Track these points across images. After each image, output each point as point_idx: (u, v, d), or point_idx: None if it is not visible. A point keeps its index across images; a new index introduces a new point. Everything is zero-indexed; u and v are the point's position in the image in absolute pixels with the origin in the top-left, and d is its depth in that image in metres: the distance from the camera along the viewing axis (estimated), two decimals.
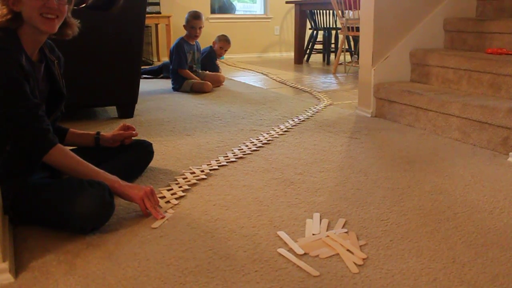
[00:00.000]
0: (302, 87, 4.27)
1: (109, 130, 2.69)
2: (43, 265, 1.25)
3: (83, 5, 2.85)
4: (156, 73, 4.98)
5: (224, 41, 4.73)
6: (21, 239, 1.38)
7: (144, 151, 1.97)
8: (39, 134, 1.42)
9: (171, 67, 4.20)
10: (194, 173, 1.97)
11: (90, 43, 2.74)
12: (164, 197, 1.71)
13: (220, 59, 5.04)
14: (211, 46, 4.74)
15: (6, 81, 1.37)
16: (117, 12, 2.76)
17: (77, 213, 1.37)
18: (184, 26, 4.22)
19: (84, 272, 1.22)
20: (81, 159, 1.51)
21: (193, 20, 4.15)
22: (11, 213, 1.43)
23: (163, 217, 1.53)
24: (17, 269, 1.23)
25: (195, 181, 1.87)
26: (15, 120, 1.39)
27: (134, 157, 1.91)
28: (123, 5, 2.76)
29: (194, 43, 4.25)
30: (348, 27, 4.96)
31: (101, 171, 1.52)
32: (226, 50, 4.82)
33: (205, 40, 5.26)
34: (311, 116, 3.06)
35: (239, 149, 2.30)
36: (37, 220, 1.45)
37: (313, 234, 1.43)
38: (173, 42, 4.32)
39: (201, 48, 4.51)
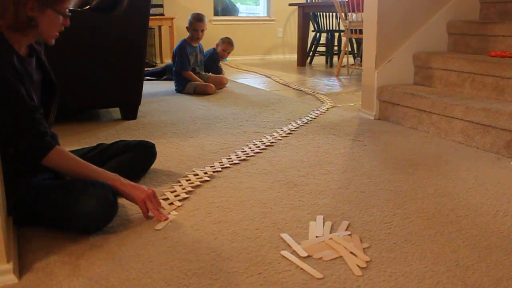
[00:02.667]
0: (305, 90, 4.27)
1: (112, 131, 2.70)
2: (46, 266, 1.26)
3: (87, 7, 2.86)
4: (159, 75, 4.99)
5: (227, 44, 4.73)
6: (25, 240, 1.39)
7: (147, 152, 1.96)
8: (36, 137, 1.41)
9: (174, 69, 4.21)
10: (197, 175, 1.97)
11: (93, 45, 2.75)
12: (168, 198, 1.71)
13: (223, 61, 5.04)
14: (214, 48, 4.75)
15: (0, 85, 1.35)
16: (120, 14, 2.77)
17: (80, 213, 1.37)
18: (187, 28, 4.23)
19: (87, 273, 1.22)
20: (80, 159, 1.51)
21: (196, 22, 4.16)
22: (14, 214, 1.43)
23: (166, 219, 1.53)
24: (21, 270, 1.23)
25: (198, 183, 1.88)
26: (12, 124, 1.38)
27: (137, 158, 1.91)
28: (126, 7, 2.77)
29: (196, 45, 4.26)
30: (351, 30, 4.96)
31: (101, 170, 1.52)
32: (229, 53, 4.83)
33: (208, 42, 5.26)
34: (314, 118, 3.06)
35: (242, 151, 2.30)
36: (41, 221, 1.45)
37: (316, 237, 1.43)
38: (176, 44, 4.32)
39: (204, 50, 4.52)
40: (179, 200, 1.70)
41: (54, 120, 1.68)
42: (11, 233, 1.33)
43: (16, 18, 1.40)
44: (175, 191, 1.79)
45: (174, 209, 1.62)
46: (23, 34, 1.44)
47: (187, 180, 1.90)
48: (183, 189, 1.80)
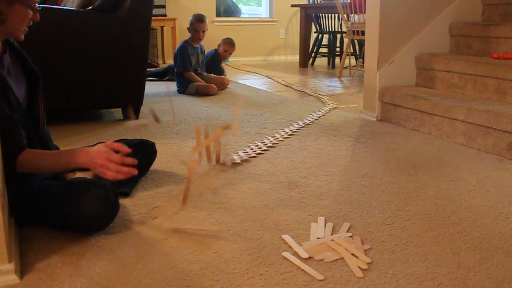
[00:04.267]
0: (307, 91, 4.27)
1: (114, 132, 2.71)
2: (48, 266, 1.26)
3: (90, 7, 2.86)
4: (161, 76, 4.99)
5: (228, 44, 4.74)
6: (27, 241, 1.39)
7: (147, 150, 1.94)
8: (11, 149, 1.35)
9: (175, 70, 4.21)
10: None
11: (95, 45, 2.75)
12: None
13: (225, 62, 5.05)
14: (216, 49, 4.75)
15: None
16: (123, 14, 2.77)
17: (82, 214, 1.37)
18: (188, 28, 4.23)
19: (89, 273, 1.22)
20: (44, 151, 1.48)
21: (197, 23, 4.17)
22: (16, 214, 1.43)
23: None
24: (23, 270, 1.23)
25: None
26: None
27: (137, 157, 1.89)
28: (129, 7, 2.77)
29: (198, 45, 4.26)
30: (353, 31, 4.96)
31: (61, 150, 1.52)
32: (230, 53, 4.83)
33: (210, 43, 5.26)
34: (316, 119, 3.06)
35: (244, 152, 2.30)
36: (42, 221, 1.45)
37: (317, 238, 1.43)
38: (178, 45, 4.33)
39: (206, 51, 4.52)
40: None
41: (49, 116, 1.63)
42: (13, 233, 1.33)
43: None
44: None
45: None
46: None
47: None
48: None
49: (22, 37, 1.48)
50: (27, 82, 1.56)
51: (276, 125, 2.89)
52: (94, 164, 1.39)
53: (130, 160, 1.43)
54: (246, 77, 5.29)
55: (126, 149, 1.44)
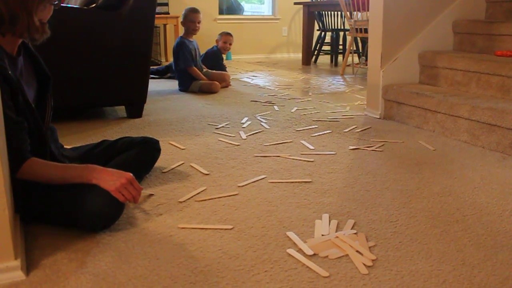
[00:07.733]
0: (310, 89, 4.26)
1: (118, 129, 2.71)
2: (54, 263, 1.26)
3: (93, 5, 2.87)
4: (162, 73, 4.99)
5: (225, 35, 4.72)
6: (32, 237, 1.39)
7: (151, 148, 1.93)
8: (14, 153, 1.36)
9: (175, 67, 4.18)
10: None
11: (99, 43, 2.76)
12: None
13: (227, 60, 5.04)
14: (216, 46, 4.73)
15: None
16: (126, 12, 2.78)
17: (87, 212, 1.37)
18: (182, 23, 4.20)
19: (94, 270, 1.23)
20: (51, 162, 1.48)
21: (192, 14, 4.15)
22: (22, 212, 1.44)
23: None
24: (29, 266, 1.24)
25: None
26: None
27: (141, 154, 1.89)
28: (132, 5, 2.77)
29: (192, 40, 4.25)
30: (356, 29, 4.95)
31: (73, 165, 1.51)
32: (231, 44, 4.79)
33: (212, 41, 5.24)
34: (319, 117, 3.06)
35: (248, 150, 2.31)
36: (48, 219, 1.46)
37: (322, 235, 1.43)
38: (175, 43, 4.30)
39: (206, 49, 4.51)
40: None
41: (53, 114, 1.63)
42: (19, 230, 1.33)
43: (30, 26, 1.38)
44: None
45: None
46: (24, 36, 1.42)
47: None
48: None
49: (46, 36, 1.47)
50: (38, 83, 1.57)
51: (280, 123, 2.89)
52: (114, 181, 1.42)
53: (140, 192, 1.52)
54: (249, 75, 5.28)
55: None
